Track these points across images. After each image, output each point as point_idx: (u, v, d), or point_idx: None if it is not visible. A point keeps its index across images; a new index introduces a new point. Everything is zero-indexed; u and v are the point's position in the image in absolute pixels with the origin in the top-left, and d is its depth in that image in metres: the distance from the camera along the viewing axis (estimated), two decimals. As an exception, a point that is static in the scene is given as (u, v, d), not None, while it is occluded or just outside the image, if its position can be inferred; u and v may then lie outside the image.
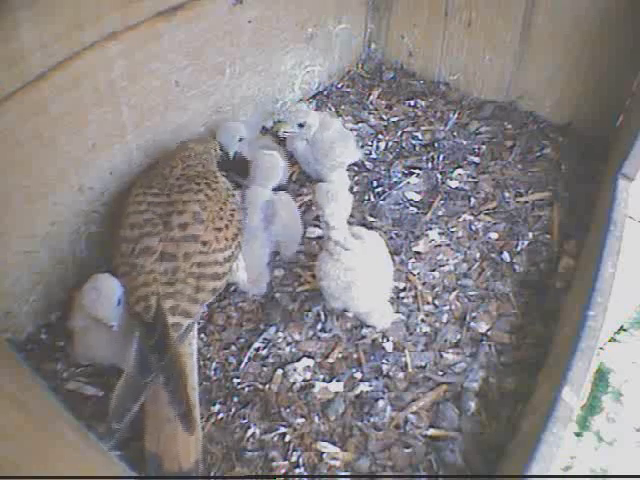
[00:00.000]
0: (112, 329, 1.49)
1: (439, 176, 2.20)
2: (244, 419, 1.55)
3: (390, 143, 2.36)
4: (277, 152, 2.02)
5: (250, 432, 1.52)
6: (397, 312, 1.78)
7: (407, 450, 1.49)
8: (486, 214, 2.07)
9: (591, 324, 1.46)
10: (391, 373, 1.64)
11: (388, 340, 1.71)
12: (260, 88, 2.32)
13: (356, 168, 2.25)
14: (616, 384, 1.80)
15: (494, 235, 2.00)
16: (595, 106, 2.28)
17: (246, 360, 1.67)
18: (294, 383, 1.62)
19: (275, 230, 1.86)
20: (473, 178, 2.20)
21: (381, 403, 1.57)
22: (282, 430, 1.52)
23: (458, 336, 1.72)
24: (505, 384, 1.61)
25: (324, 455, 1.48)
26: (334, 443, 1.50)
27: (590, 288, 1.54)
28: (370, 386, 1.61)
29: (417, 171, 2.22)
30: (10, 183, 1.56)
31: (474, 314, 1.77)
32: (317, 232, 1.98)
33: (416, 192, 2.16)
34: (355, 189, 2.17)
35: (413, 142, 2.37)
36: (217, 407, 1.57)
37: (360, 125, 2.44)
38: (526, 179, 2.19)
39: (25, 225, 1.65)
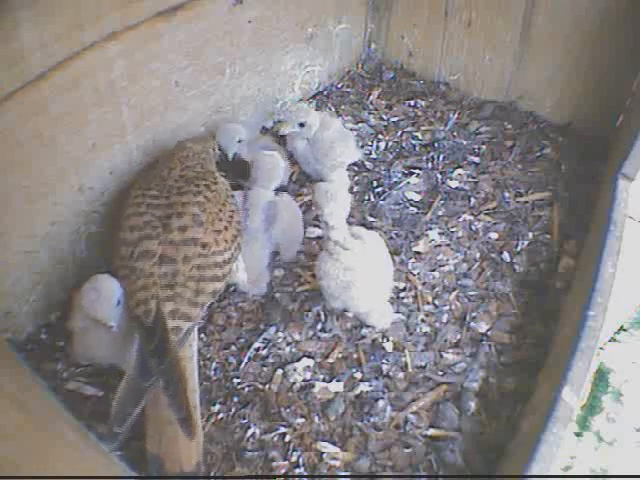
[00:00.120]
0: (111, 330, 1.49)
1: (439, 176, 2.20)
2: (244, 419, 1.55)
3: (390, 143, 2.36)
4: (278, 152, 2.02)
5: (250, 432, 1.52)
6: (397, 312, 1.78)
7: (407, 450, 1.49)
8: (486, 214, 2.07)
9: (591, 324, 1.46)
10: (391, 373, 1.64)
11: (388, 340, 1.71)
12: (260, 88, 2.32)
13: (356, 168, 2.25)
14: (616, 384, 1.79)
15: (494, 235, 2.00)
16: (595, 106, 2.28)
17: (246, 360, 1.67)
18: (294, 383, 1.62)
19: (275, 232, 1.85)
20: (473, 178, 2.20)
21: (381, 403, 1.57)
22: (282, 430, 1.52)
23: (458, 336, 1.72)
24: (505, 384, 1.61)
25: (324, 455, 1.48)
26: (334, 443, 1.50)
27: (590, 288, 1.54)
28: (370, 386, 1.61)
29: (417, 171, 2.22)
30: (10, 183, 1.56)
31: (474, 314, 1.77)
32: (317, 232, 1.98)
33: (416, 192, 2.16)
34: (355, 189, 2.17)
35: (413, 142, 2.36)
36: (217, 407, 1.57)
37: (360, 125, 2.44)
38: (526, 179, 2.19)
39: (25, 225, 1.65)
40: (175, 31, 1.86)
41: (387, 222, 2.04)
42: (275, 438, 1.51)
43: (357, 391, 1.60)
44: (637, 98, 2.08)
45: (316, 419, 1.55)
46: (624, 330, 1.94)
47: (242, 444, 1.50)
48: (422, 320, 1.76)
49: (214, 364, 1.67)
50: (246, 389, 1.61)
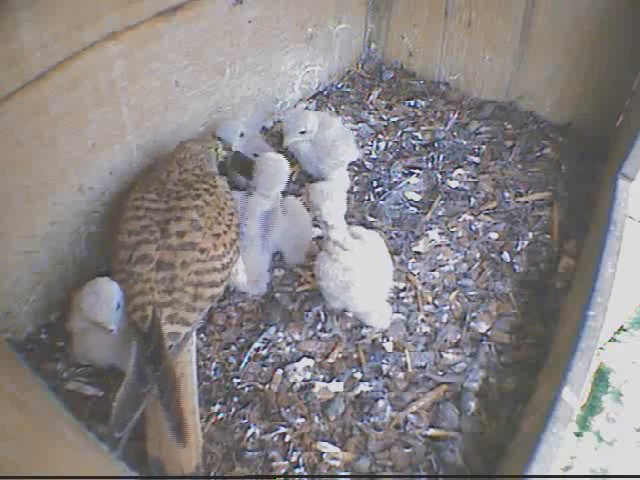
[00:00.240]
0: (111, 332, 1.50)
1: (439, 176, 2.20)
2: (244, 419, 1.55)
3: (390, 143, 2.36)
4: (281, 156, 1.98)
5: (250, 432, 1.52)
6: (397, 312, 1.78)
7: (407, 450, 1.49)
8: (486, 214, 2.07)
9: (591, 324, 1.46)
10: (391, 373, 1.64)
11: (388, 340, 1.71)
12: (260, 88, 2.32)
13: (356, 168, 2.25)
14: (616, 384, 1.79)
15: (494, 235, 2.00)
16: (595, 106, 2.28)
17: (246, 360, 1.67)
18: (294, 383, 1.62)
19: (274, 238, 1.83)
20: (473, 178, 2.20)
21: (381, 403, 1.57)
22: (282, 430, 1.52)
23: (458, 336, 1.72)
24: (505, 384, 1.61)
25: (324, 455, 1.48)
26: (334, 443, 1.50)
27: (590, 288, 1.54)
28: (370, 386, 1.61)
29: (417, 171, 2.22)
30: (10, 183, 1.56)
31: (474, 314, 1.77)
32: (317, 232, 1.98)
33: (416, 192, 2.16)
34: (355, 189, 2.17)
35: (413, 142, 2.36)
36: (217, 407, 1.57)
37: (360, 125, 2.44)
38: (526, 179, 2.19)
39: (25, 225, 1.65)
40: (175, 31, 1.86)
41: (387, 222, 2.04)
42: (275, 438, 1.51)
43: (357, 391, 1.60)
44: (637, 98, 2.08)
45: (316, 419, 1.55)
46: (624, 330, 1.93)
47: (242, 444, 1.50)
48: (422, 320, 1.76)
49: (214, 364, 1.67)
50: (246, 389, 1.61)
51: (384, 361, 1.66)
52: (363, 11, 2.64)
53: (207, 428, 1.52)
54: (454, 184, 2.17)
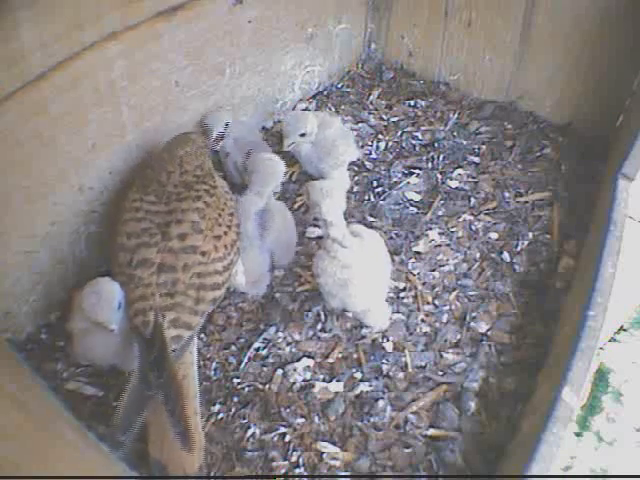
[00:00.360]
0: (112, 332, 1.49)
1: (439, 176, 2.20)
2: (244, 419, 1.55)
3: (390, 143, 2.36)
4: (276, 156, 1.97)
5: (250, 432, 1.52)
6: (397, 312, 1.78)
7: (407, 450, 1.49)
8: (486, 214, 2.07)
9: (591, 324, 1.46)
10: (391, 373, 1.64)
11: (388, 340, 1.71)
12: (260, 88, 2.32)
13: (356, 168, 2.25)
14: (616, 384, 1.79)
15: (494, 235, 2.00)
16: (595, 106, 2.28)
17: (246, 360, 1.67)
18: (294, 383, 1.62)
19: (270, 239, 1.82)
20: (473, 178, 2.20)
21: (381, 403, 1.57)
22: (282, 430, 1.52)
23: (458, 336, 1.72)
24: (505, 384, 1.61)
25: (324, 455, 1.48)
26: (334, 443, 1.50)
27: (590, 288, 1.54)
28: (370, 386, 1.61)
29: (417, 171, 2.22)
30: (10, 183, 1.56)
31: (474, 314, 1.77)
32: (317, 232, 1.98)
33: (416, 192, 2.16)
34: (355, 189, 2.17)
35: (413, 142, 2.36)
36: (217, 407, 1.57)
37: (360, 125, 2.44)
38: (526, 179, 2.19)
39: (25, 225, 1.64)
40: (175, 31, 1.86)
41: (387, 222, 2.04)
42: (275, 438, 1.51)
43: (357, 391, 1.60)
44: (637, 98, 2.08)
45: (316, 419, 1.55)
46: (624, 330, 1.94)
47: (242, 444, 1.50)
48: (422, 320, 1.76)
49: (214, 364, 1.67)
50: (246, 389, 1.61)
51: (384, 361, 1.66)
52: (363, 11, 2.64)
53: (207, 428, 1.52)
54: (454, 184, 2.17)
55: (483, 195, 2.13)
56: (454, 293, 1.83)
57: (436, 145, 2.32)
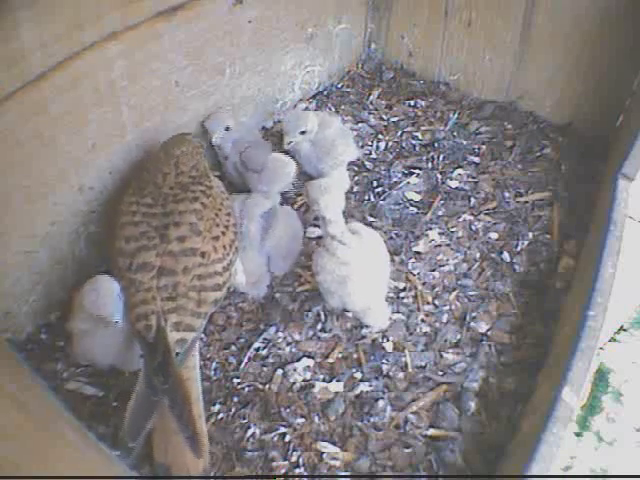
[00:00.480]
0: (116, 325, 1.49)
1: (439, 176, 2.20)
2: (244, 419, 1.55)
3: (390, 143, 2.36)
4: (288, 157, 1.98)
5: (250, 432, 1.52)
6: (397, 312, 1.78)
7: (407, 450, 1.49)
8: (486, 214, 2.07)
9: (591, 324, 1.46)
10: (391, 373, 1.64)
11: (388, 340, 1.71)
12: (260, 88, 2.32)
13: (356, 168, 2.26)
14: (616, 384, 1.80)
15: (494, 235, 2.00)
16: (595, 106, 2.28)
17: (246, 360, 1.67)
18: (294, 383, 1.62)
19: (270, 241, 1.82)
20: (473, 178, 2.20)
21: (381, 403, 1.57)
22: (282, 430, 1.52)
23: (458, 336, 1.72)
24: (505, 384, 1.61)
25: (324, 455, 1.48)
26: (334, 443, 1.50)
27: (590, 288, 1.54)
28: (370, 386, 1.61)
29: (417, 171, 2.22)
30: (10, 183, 1.56)
31: (474, 314, 1.77)
32: (317, 232, 1.98)
33: (416, 192, 2.16)
34: (355, 189, 2.17)
35: (413, 142, 2.37)
36: (217, 407, 1.57)
37: (360, 125, 2.44)
38: (526, 179, 2.19)
39: (25, 225, 1.65)
40: (175, 31, 1.86)
41: (387, 222, 2.04)
42: (275, 438, 1.51)
43: (357, 391, 1.60)
44: (637, 98, 2.08)
45: (316, 419, 1.55)
46: (624, 330, 1.94)
47: (242, 444, 1.50)
48: (422, 320, 1.76)
49: (214, 364, 1.67)
50: (246, 389, 1.61)
51: (384, 361, 1.66)
52: (363, 11, 2.64)
53: (207, 428, 1.51)
54: (454, 184, 2.17)
55: (483, 195, 2.13)
56: (454, 293, 1.83)
57: (436, 145, 2.32)
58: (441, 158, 2.27)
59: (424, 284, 1.86)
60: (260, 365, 1.66)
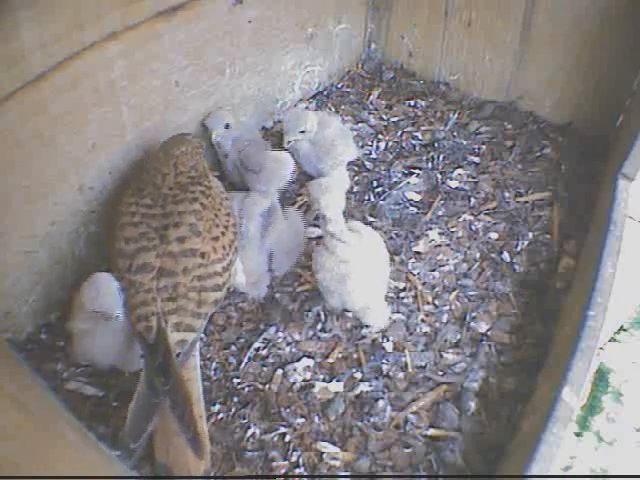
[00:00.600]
0: (117, 320, 1.49)
1: (439, 176, 2.20)
2: (244, 419, 1.55)
3: (390, 143, 2.36)
4: (286, 153, 1.97)
5: (250, 432, 1.52)
6: (397, 312, 1.78)
7: (407, 450, 1.49)
8: (486, 214, 2.07)
9: (591, 324, 1.46)
10: (391, 373, 1.64)
11: (388, 340, 1.71)
12: (260, 88, 2.32)
13: (356, 168, 2.26)
14: (616, 384, 1.80)
15: (494, 235, 2.00)
16: (595, 106, 2.28)
17: (246, 360, 1.67)
18: (294, 383, 1.62)
19: (270, 240, 1.82)
20: (473, 178, 2.20)
21: (381, 403, 1.57)
22: (282, 430, 1.52)
23: (458, 336, 1.72)
24: (505, 384, 1.61)
25: (324, 455, 1.48)
26: (334, 443, 1.50)
27: (590, 288, 1.54)
28: (370, 386, 1.61)
29: (417, 171, 2.22)
30: (10, 183, 1.56)
31: (474, 314, 1.77)
32: (317, 232, 1.98)
33: (416, 192, 2.16)
34: (355, 189, 2.17)
35: (413, 142, 2.37)
36: (217, 407, 1.57)
37: (360, 125, 2.44)
38: (526, 179, 2.19)
39: (25, 225, 1.64)
40: (175, 31, 1.86)
41: (387, 222, 2.04)
42: (275, 438, 1.51)
43: (357, 391, 1.60)
44: (637, 98, 2.08)
45: (316, 419, 1.55)
46: (624, 330, 1.94)
47: (242, 444, 1.50)
48: (422, 320, 1.76)
49: (214, 364, 1.67)
50: (246, 389, 1.61)
51: (384, 361, 1.66)
52: (363, 11, 2.64)
53: (207, 428, 1.51)
54: (454, 184, 2.17)
55: (483, 195, 2.14)
56: (454, 293, 1.83)
57: (436, 145, 2.32)
58: (441, 158, 2.27)
59: (424, 284, 1.86)
60: (260, 365, 1.66)
